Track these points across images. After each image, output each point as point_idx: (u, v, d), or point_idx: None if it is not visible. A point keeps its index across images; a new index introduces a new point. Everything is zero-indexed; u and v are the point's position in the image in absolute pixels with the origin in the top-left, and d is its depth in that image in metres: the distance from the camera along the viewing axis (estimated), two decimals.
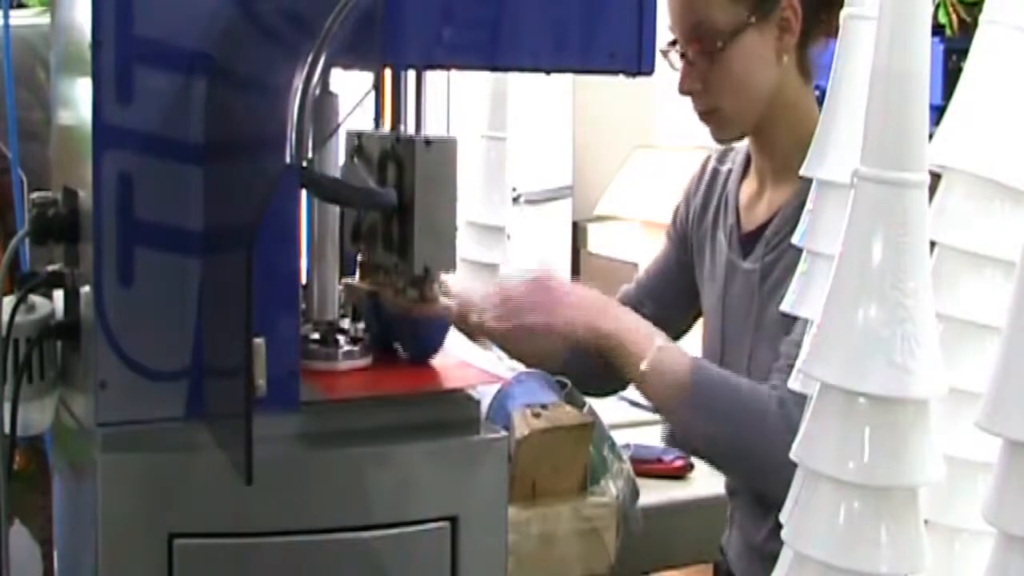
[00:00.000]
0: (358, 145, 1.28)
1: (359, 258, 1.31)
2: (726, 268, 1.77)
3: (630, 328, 1.56)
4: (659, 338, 1.56)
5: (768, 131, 1.71)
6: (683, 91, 1.70)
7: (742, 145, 1.83)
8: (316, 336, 1.26)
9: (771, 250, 1.68)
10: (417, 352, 1.31)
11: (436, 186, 1.20)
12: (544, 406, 1.51)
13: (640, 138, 3.90)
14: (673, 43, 1.70)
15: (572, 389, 1.69)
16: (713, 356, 1.78)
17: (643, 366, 1.52)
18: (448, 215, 1.21)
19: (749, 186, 1.80)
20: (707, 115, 1.72)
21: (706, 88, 1.68)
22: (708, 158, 1.91)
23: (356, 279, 1.31)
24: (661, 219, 3.39)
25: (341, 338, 1.26)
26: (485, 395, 1.49)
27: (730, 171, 1.84)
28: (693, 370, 1.55)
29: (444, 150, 1.20)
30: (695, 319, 1.94)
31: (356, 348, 1.26)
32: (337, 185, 1.24)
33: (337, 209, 1.27)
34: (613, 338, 1.54)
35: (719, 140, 1.78)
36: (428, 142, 1.19)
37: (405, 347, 1.31)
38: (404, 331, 1.29)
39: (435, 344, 1.31)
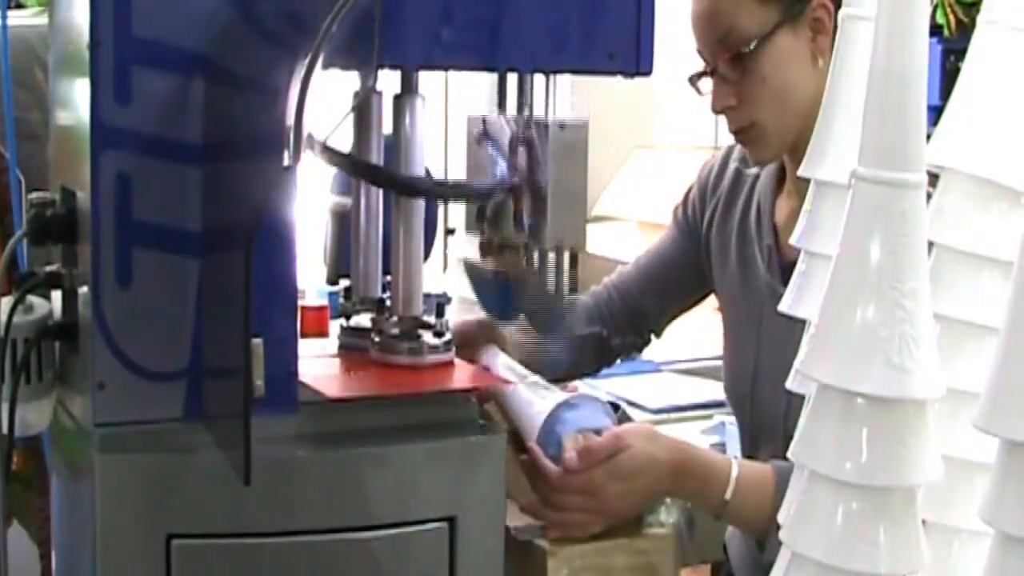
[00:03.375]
0: (483, 129, 1.32)
1: (481, 238, 1.35)
2: (765, 292, 1.69)
3: (697, 471, 1.49)
4: (733, 467, 1.51)
5: (806, 146, 1.64)
6: (717, 109, 1.61)
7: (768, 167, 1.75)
8: (396, 331, 1.27)
9: None
10: (544, 327, 1.35)
11: (569, 165, 1.25)
12: (597, 431, 1.46)
13: (639, 138, 3.90)
14: (701, 74, 1.63)
15: (625, 414, 1.66)
16: (743, 380, 1.73)
17: (727, 495, 1.48)
18: (580, 193, 1.27)
19: (787, 204, 1.71)
20: (743, 132, 1.63)
21: (740, 101, 1.59)
22: (729, 154, 1.82)
23: (478, 258, 1.36)
24: (660, 219, 3.40)
25: (425, 333, 1.28)
26: (534, 419, 1.47)
27: (757, 177, 1.76)
28: (778, 491, 1.47)
29: (577, 131, 1.25)
30: (693, 306, 1.91)
31: (440, 343, 1.28)
32: (420, 182, 1.27)
33: (422, 208, 1.29)
34: (682, 491, 1.50)
35: (758, 161, 1.69)
36: (562, 125, 1.24)
37: (532, 322, 1.34)
38: (533, 307, 1.31)
39: (563, 319, 1.33)
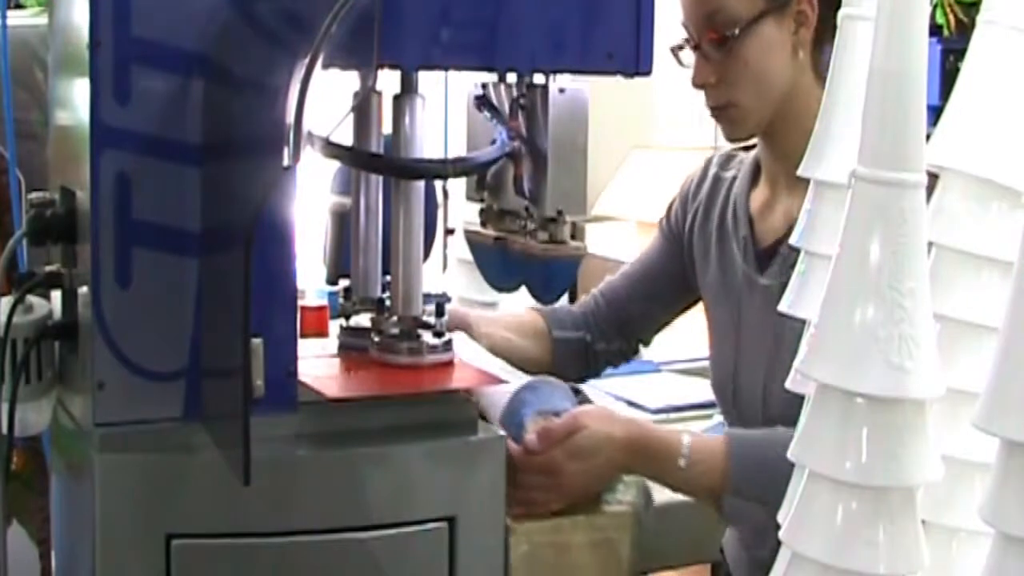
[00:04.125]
0: (483, 95, 1.32)
1: (482, 205, 1.36)
2: (742, 282, 1.74)
3: (651, 445, 1.54)
4: (684, 436, 1.55)
5: (780, 132, 1.67)
6: (697, 84, 1.66)
7: (748, 154, 1.80)
8: (396, 331, 1.27)
9: (790, 266, 1.65)
10: (545, 293, 1.35)
11: (569, 131, 1.26)
12: (557, 413, 1.50)
13: (637, 138, 3.90)
14: (685, 41, 1.68)
15: (586, 396, 1.69)
16: (725, 372, 1.76)
17: (681, 464, 1.52)
18: (579, 159, 1.27)
19: (761, 194, 1.76)
20: (720, 110, 1.68)
21: (720, 80, 1.64)
22: (709, 161, 1.88)
23: (478, 226, 1.37)
24: (658, 220, 3.40)
25: (424, 333, 1.28)
26: (498, 401, 1.49)
27: (734, 178, 1.80)
28: (730, 454, 1.53)
29: (577, 97, 1.26)
30: (679, 314, 1.94)
31: (440, 343, 1.28)
32: (419, 163, 1.28)
33: (422, 208, 1.28)
34: (638, 466, 1.54)
35: (731, 138, 1.74)
36: (561, 90, 1.25)
37: (532, 289, 1.34)
38: (533, 274, 1.32)
39: (564, 285, 1.34)
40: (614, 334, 1.93)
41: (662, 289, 1.90)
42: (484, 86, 1.32)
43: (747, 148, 1.80)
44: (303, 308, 1.96)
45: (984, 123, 0.88)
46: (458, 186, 1.44)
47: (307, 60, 0.97)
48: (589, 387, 2.27)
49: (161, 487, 1.14)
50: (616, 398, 2.34)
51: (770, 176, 1.74)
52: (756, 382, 1.69)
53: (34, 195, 1.31)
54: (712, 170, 1.86)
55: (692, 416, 2.25)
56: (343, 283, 1.39)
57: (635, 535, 1.49)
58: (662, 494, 1.71)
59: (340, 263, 1.42)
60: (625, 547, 1.47)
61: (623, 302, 1.92)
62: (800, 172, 0.97)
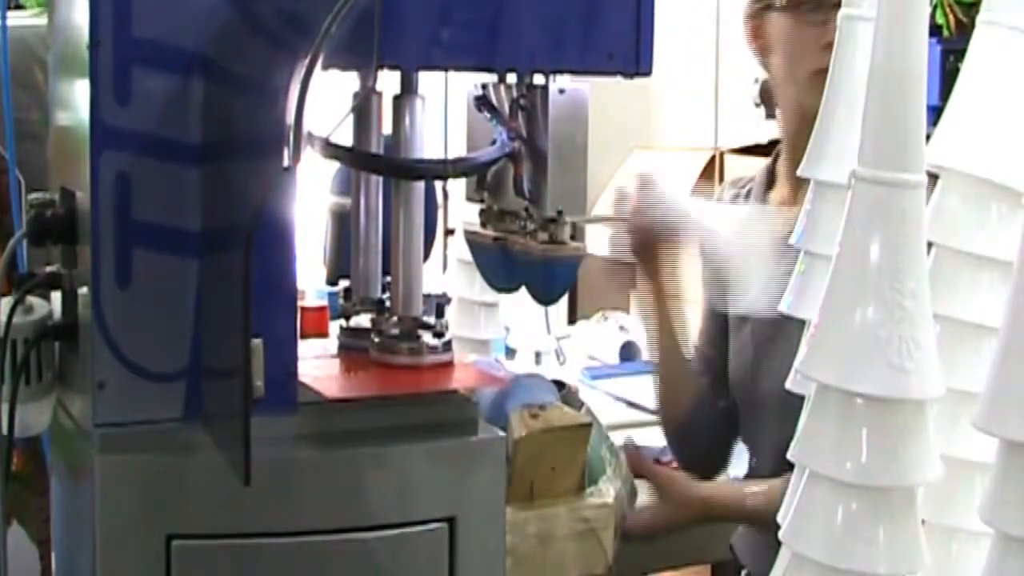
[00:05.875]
0: (483, 95, 1.33)
1: (482, 206, 1.37)
2: None
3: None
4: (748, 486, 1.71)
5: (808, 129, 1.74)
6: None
7: (758, 173, 1.87)
8: (396, 332, 1.27)
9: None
10: (545, 295, 1.34)
11: (569, 131, 1.26)
12: (542, 406, 1.52)
13: (637, 138, 3.90)
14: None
15: (569, 390, 1.70)
16: (744, 365, 1.79)
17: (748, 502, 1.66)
18: (579, 160, 1.27)
19: (779, 193, 1.83)
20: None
21: None
22: (721, 190, 1.97)
23: (478, 227, 1.37)
24: None
25: (424, 334, 1.28)
26: (483, 395, 1.50)
27: (750, 190, 1.88)
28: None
29: (577, 98, 1.26)
30: None
31: (439, 343, 1.27)
32: (419, 163, 1.28)
33: (422, 208, 1.28)
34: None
35: (812, 106, 1.81)
36: (561, 90, 1.25)
37: (533, 291, 1.35)
38: (533, 274, 1.32)
39: (564, 285, 1.34)
40: (721, 387, 1.93)
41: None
42: (484, 86, 1.33)
43: (747, 150, 1.84)
44: (303, 308, 1.97)
45: (984, 123, 0.89)
46: (458, 186, 1.44)
47: (307, 60, 0.97)
48: (587, 386, 2.27)
49: (161, 487, 1.14)
50: (616, 398, 2.34)
51: (789, 173, 1.79)
52: (771, 375, 1.71)
53: (34, 195, 1.31)
54: (729, 192, 1.94)
55: None
56: (343, 283, 1.38)
57: (618, 526, 1.50)
58: None
59: (340, 263, 1.42)
60: (608, 537, 1.48)
61: (705, 360, 1.94)
62: (800, 172, 0.97)
